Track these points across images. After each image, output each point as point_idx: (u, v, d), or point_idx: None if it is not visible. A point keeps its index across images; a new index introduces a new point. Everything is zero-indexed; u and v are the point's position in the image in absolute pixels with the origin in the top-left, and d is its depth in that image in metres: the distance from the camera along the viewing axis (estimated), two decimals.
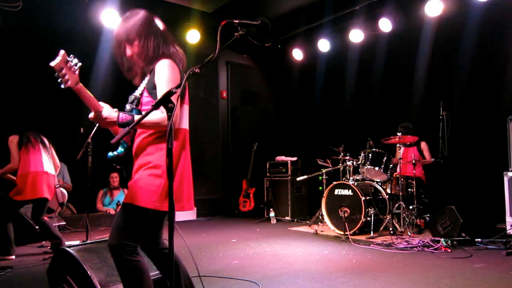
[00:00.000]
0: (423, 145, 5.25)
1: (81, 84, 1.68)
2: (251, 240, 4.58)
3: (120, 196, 6.23)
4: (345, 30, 6.41)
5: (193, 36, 6.47)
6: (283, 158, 6.74)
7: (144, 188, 1.71)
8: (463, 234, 3.98)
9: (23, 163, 3.79)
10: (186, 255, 3.78)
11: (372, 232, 4.51)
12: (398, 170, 4.87)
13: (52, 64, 1.56)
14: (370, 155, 4.85)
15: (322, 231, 5.03)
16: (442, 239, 3.95)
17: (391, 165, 4.87)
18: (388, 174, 4.85)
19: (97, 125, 3.83)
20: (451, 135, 4.76)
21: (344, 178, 5.25)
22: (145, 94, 1.82)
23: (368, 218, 4.56)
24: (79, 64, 1.63)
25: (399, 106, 5.85)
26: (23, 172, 3.76)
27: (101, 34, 5.80)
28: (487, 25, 4.95)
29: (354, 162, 5.08)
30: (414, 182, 4.73)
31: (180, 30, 6.46)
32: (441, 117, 4.81)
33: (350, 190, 4.72)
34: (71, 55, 1.61)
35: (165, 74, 1.74)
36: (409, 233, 4.45)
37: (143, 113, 1.64)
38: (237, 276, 3.02)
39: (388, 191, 4.93)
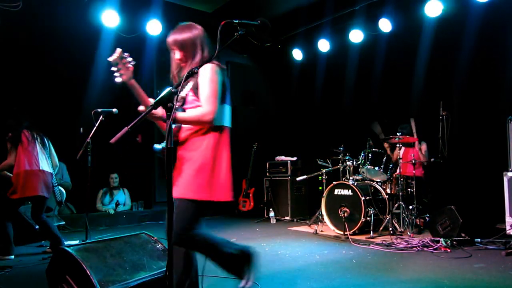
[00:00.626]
0: (423, 145, 5.25)
1: (134, 80, 1.92)
2: (250, 240, 4.58)
3: (119, 195, 6.23)
4: (345, 30, 6.41)
5: None
6: (283, 158, 6.74)
7: (194, 182, 1.89)
8: (463, 234, 3.98)
9: (17, 161, 3.78)
10: None
11: (371, 232, 4.51)
12: (398, 170, 4.86)
13: (110, 59, 1.79)
14: (370, 155, 4.85)
15: (322, 231, 5.03)
16: (441, 239, 3.95)
17: (390, 165, 4.88)
18: (388, 174, 4.85)
19: (96, 124, 3.84)
20: (451, 135, 4.76)
21: (344, 178, 5.25)
22: (190, 93, 1.99)
23: (368, 218, 4.56)
24: (133, 62, 1.86)
25: (399, 106, 5.84)
26: (17, 171, 3.75)
27: (100, 34, 5.80)
28: (486, 26, 4.94)
29: (354, 162, 5.08)
30: (414, 182, 4.72)
31: None
32: (441, 117, 4.81)
33: (350, 190, 4.72)
34: (125, 53, 1.81)
35: (207, 75, 1.93)
36: (408, 233, 4.45)
37: (187, 111, 1.92)
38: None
39: (388, 191, 4.93)
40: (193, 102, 1.97)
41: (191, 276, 2.04)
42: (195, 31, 2.09)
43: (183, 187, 1.89)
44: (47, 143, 4.07)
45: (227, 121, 2.04)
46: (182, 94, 2.01)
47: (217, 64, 2.00)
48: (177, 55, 2.08)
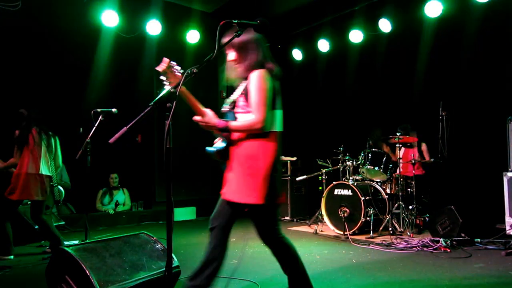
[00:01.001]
0: (423, 146, 5.26)
1: (184, 87, 1.94)
2: (250, 240, 4.58)
3: (119, 195, 6.22)
4: (345, 30, 6.41)
5: (193, 36, 6.47)
6: (282, 158, 6.73)
7: (253, 186, 1.96)
8: (463, 234, 3.98)
9: (20, 162, 3.79)
10: (185, 255, 3.79)
11: (371, 232, 4.51)
12: (397, 170, 4.86)
13: (158, 68, 1.86)
14: (369, 155, 4.85)
15: (321, 231, 5.03)
16: (441, 239, 3.94)
17: (390, 165, 4.87)
18: (388, 174, 4.85)
19: (96, 124, 3.83)
20: (450, 135, 4.75)
21: (343, 178, 5.25)
22: (241, 99, 2.08)
23: (368, 218, 4.56)
24: (181, 70, 1.91)
25: (398, 106, 5.84)
26: (19, 171, 3.76)
27: (100, 34, 5.80)
28: (486, 26, 4.94)
29: (354, 162, 5.08)
30: (413, 182, 4.72)
31: (180, 30, 6.45)
32: (440, 117, 4.81)
33: (349, 190, 4.72)
34: (173, 62, 1.89)
35: (257, 83, 1.98)
36: (408, 233, 4.45)
37: (237, 115, 2.06)
38: (236, 276, 3.01)
39: (388, 191, 4.92)
40: (244, 107, 2.05)
41: (220, 261, 2.11)
42: (252, 33, 2.11)
43: (236, 190, 2.02)
44: (53, 144, 4.05)
45: (278, 126, 2.08)
46: (233, 97, 2.11)
47: (269, 69, 2.05)
48: (231, 56, 2.13)
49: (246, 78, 2.06)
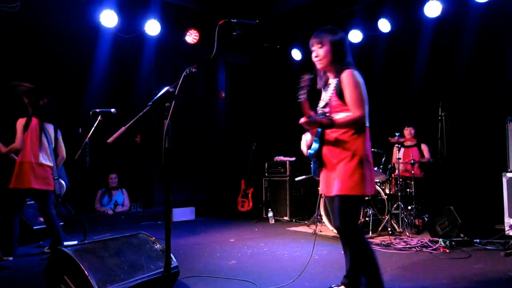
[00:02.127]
0: (423, 146, 5.26)
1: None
2: (249, 240, 4.58)
3: (118, 196, 6.21)
4: (344, 30, 6.39)
5: (192, 36, 6.46)
6: (281, 158, 6.73)
7: (353, 178, 2.09)
8: (462, 235, 3.98)
9: (22, 151, 3.74)
10: (183, 255, 3.79)
11: (370, 232, 4.51)
12: (396, 171, 4.85)
13: (302, 83, 2.00)
14: None
15: (320, 231, 5.03)
16: (440, 240, 3.94)
17: (389, 165, 4.87)
18: (387, 174, 4.85)
19: (95, 125, 3.82)
20: (450, 136, 4.76)
21: None
22: (334, 98, 2.18)
23: (367, 218, 4.56)
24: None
25: (398, 106, 5.84)
26: (19, 160, 3.73)
27: (98, 34, 5.79)
28: (486, 26, 4.95)
29: None
30: (412, 183, 4.72)
31: (179, 31, 6.45)
32: (440, 118, 4.81)
33: None
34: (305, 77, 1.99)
35: (352, 81, 2.11)
36: (407, 234, 4.45)
37: (339, 115, 2.12)
38: (235, 276, 3.01)
39: (387, 191, 4.92)
40: (338, 106, 2.16)
41: None
42: (341, 33, 2.24)
43: (346, 183, 2.10)
44: (53, 134, 3.95)
45: (368, 121, 2.23)
46: (326, 98, 2.22)
47: (356, 68, 2.17)
48: (319, 52, 2.20)
49: (335, 77, 2.18)
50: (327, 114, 2.17)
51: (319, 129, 2.20)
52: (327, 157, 2.20)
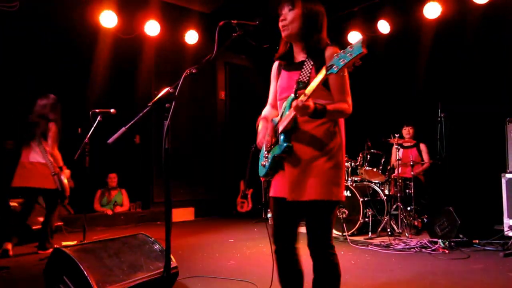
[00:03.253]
0: (422, 146, 5.26)
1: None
2: (248, 241, 4.58)
3: (117, 196, 6.21)
4: (344, 31, 6.42)
5: (191, 36, 6.46)
6: None
7: (330, 182, 1.74)
8: (461, 236, 3.98)
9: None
10: (183, 256, 3.78)
11: (370, 233, 4.51)
12: (396, 172, 4.85)
13: None
14: (368, 156, 4.85)
15: None
16: (439, 240, 3.95)
17: (389, 166, 4.88)
18: (386, 175, 4.85)
19: (94, 125, 3.81)
20: (449, 137, 4.76)
21: None
22: (319, 87, 1.73)
23: (366, 219, 4.56)
24: None
25: (397, 107, 5.85)
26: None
27: (98, 34, 5.79)
28: (485, 27, 4.96)
29: (353, 163, 5.08)
30: (412, 183, 4.73)
31: (179, 31, 6.45)
32: (439, 118, 4.81)
33: (348, 191, 4.72)
34: None
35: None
36: (407, 234, 4.45)
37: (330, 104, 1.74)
38: (234, 276, 3.01)
39: (386, 192, 4.93)
40: (318, 91, 1.69)
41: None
42: (321, 7, 1.90)
43: (321, 187, 1.72)
44: (41, 136, 4.02)
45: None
46: (310, 87, 1.66)
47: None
48: (289, 15, 1.83)
49: (306, 55, 1.79)
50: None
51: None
52: (299, 154, 1.75)
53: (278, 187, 1.86)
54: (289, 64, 1.91)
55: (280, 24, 1.83)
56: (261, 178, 1.99)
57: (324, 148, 1.75)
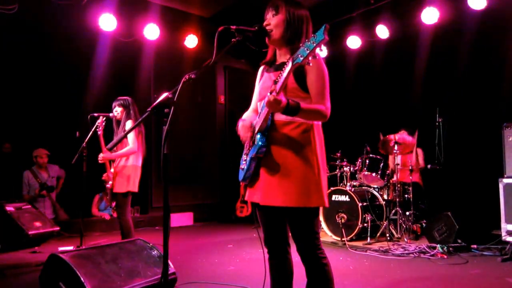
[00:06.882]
0: (419, 151, 5.27)
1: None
2: (247, 246, 4.55)
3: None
4: (343, 36, 6.44)
5: (191, 41, 6.47)
6: None
7: (308, 188, 1.70)
8: (459, 241, 3.98)
9: (136, 155, 3.91)
10: (181, 262, 3.76)
11: (369, 238, 4.50)
12: (395, 177, 4.85)
13: None
14: (367, 161, 4.86)
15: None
16: (438, 245, 3.94)
17: (388, 171, 4.88)
18: (385, 180, 4.85)
19: (93, 129, 3.80)
20: (447, 142, 4.77)
21: (341, 184, 5.24)
22: (291, 81, 1.77)
23: (365, 224, 4.55)
24: None
25: (395, 112, 5.86)
26: (134, 163, 4.00)
27: (97, 38, 5.79)
28: (482, 33, 4.99)
29: (351, 168, 5.08)
30: (410, 188, 4.73)
31: (178, 35, 6.46)
32: (437, 124, 4.82)
33: (347, 196, 4.71)
34: None
35: (322, 67, 1.78)
36: (405, 239, 4.45)
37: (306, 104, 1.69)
38: (233, 282, 2.99)
39: (385, 197, 4.92)
40: (294, 91, 1.73)
41: None
42: (307, 11, 1.88)
43: (299, 193, 1.69)
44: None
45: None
46: (281, 81, 1.61)
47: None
48: (273, 20, 1.81)
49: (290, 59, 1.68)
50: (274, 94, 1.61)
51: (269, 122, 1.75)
52: (276, 157, 1.74)
53: (252, 191, 1.88)
54: (271, 66, 1.92)
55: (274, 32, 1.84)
56: (240, 183, 1.99)
57: (301, 152, 1.73)
